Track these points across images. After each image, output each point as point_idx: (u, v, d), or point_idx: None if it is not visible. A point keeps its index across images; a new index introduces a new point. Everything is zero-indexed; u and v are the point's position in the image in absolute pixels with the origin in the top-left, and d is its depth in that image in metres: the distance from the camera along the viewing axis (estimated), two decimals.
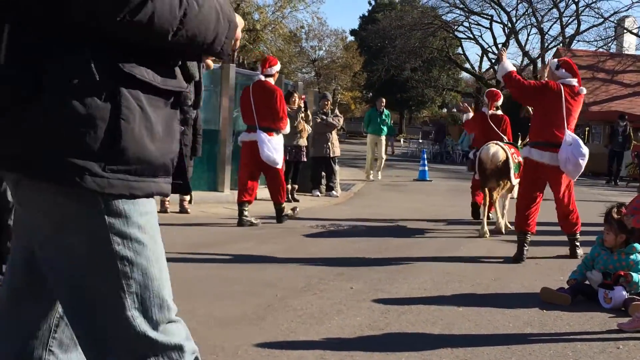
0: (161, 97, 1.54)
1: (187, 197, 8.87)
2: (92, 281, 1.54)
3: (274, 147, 7.92)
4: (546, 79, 6.74)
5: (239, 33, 1.72)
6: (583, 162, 6.31)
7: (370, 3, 51.71)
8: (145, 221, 1.56)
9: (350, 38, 49.09)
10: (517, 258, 6.41)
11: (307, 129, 11.14)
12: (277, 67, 8.34)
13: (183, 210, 8.76)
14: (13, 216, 1.66)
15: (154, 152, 1.51)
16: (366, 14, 50.52)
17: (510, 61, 11.19)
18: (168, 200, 8.68)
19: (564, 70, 6.57)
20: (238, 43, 1.73)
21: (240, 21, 1.71)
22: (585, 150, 6.36)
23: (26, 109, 1.40)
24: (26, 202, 1.56)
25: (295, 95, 10.86)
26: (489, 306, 4.66)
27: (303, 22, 46.81)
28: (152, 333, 1.56)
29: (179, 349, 1.60)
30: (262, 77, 8.12)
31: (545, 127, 6.45)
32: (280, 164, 8.18)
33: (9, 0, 1.38)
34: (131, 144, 1.46)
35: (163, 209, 8.61)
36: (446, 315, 4.38)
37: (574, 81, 6.53)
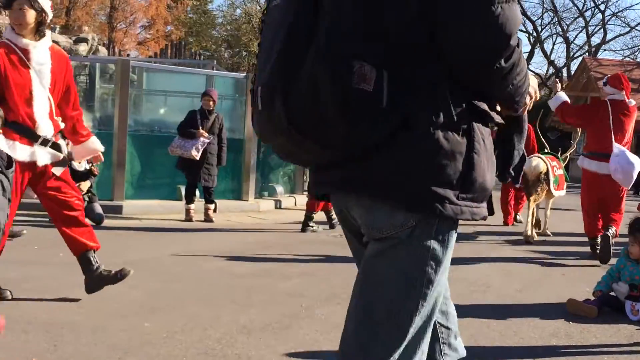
0: (488, 128, 1.67)
1: (212, 206, 8.94)
2: (395, 294, 1.63)
3: None
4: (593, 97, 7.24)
5: (537, 92, 1.86)
6: (633, 171, 6.61)
7: None
8: (450, 253, 1.70)
9: None
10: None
11: None
12: None
13: (208, 219, 8.82)
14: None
15: (489, 180, 1.65)
16: None
17: (537, 70, 11.43)
18: (193, 209, 8.75)
19: (609, 86, 7.02)
20: (530, 104, 1.84)
21: (534, 81, 1.81)
22: (634, 159, 6.62)
23: (393, 144, 1.52)
24: (371, 225, 1.65)
25: None
26: (514, 317, 4.65)
27: None
28: (405, 350, 1.65)
29: None
30: None
31: (597, 140, 6.98)
32: None
33: (392, 55, 1.50)
34: (478, 175, 1.60)
35: (188, 218, 8.69)
36: (471, 326, 4.37)
37: (621, 95, 6.95)
